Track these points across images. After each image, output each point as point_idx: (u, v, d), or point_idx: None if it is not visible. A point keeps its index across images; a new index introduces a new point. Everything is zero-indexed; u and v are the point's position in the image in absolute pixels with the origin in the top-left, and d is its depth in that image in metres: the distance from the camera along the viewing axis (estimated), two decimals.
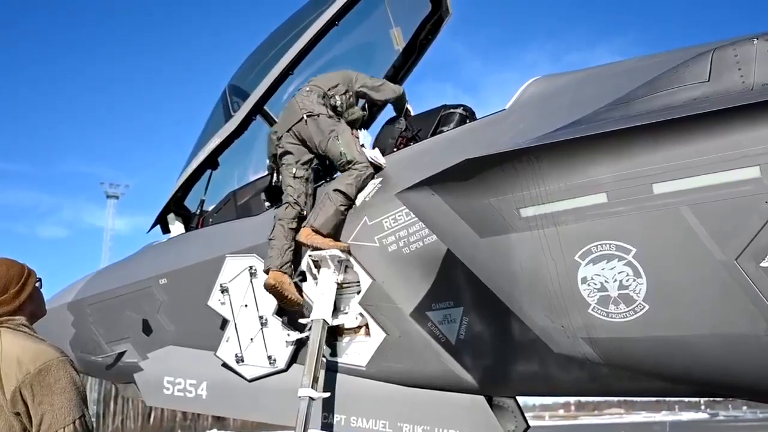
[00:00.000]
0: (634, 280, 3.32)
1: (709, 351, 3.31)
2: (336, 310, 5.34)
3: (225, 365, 5.96)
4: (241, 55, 7.95)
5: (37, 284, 3.21)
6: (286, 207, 5.53)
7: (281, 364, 5.62)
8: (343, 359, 5.44)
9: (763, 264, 3.02)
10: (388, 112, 6.66)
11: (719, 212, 3.08)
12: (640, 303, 3.32)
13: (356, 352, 5.37)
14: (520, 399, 5.38)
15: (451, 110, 5.88)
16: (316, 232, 5.22)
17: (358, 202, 5.27)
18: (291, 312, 5.56)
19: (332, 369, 5.44)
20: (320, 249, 5.22)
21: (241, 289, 5.82)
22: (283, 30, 6.88)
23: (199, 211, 7.16)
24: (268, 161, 6.40)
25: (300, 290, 5.43)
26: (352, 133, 5.59)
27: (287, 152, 5.67)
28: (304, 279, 5.54)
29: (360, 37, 7.34)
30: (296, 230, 5.42)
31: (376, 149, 5.67)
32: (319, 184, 5.86)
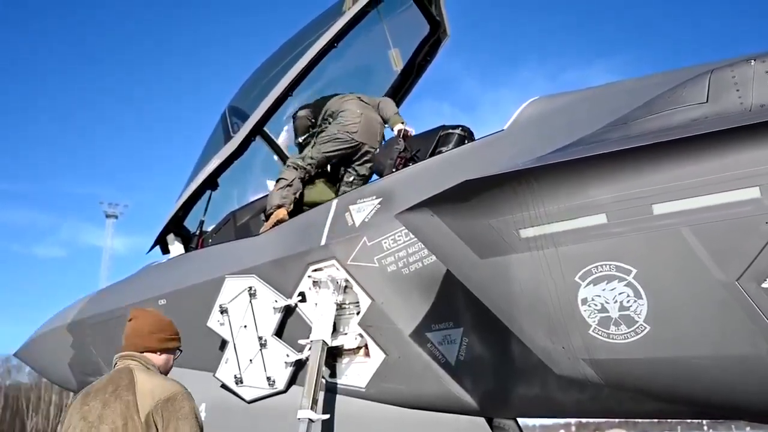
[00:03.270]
0: (635, 301, 3.30)
1: (710, 372, 3.28)
2: (335, 331, 5.33)
3: (224, 386, 5.92)
4: (240, 76, 8.01)
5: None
6: None
7: (280, 385, 5.58)
8: (342, 380, 5.41)
9: (765, 285, 3.00)
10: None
11: (719, 233, 3.07)
12: (641, 324, 3.30)
13: (356, 373, 5.34)
14: (521, 420, 5.35)
15: (450, 130, 5.90)
16: None
17: (357, 223, 5.28)
18: (290, 334, 5.55)
19: (332, 390, 5.40)
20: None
21: (241, 310, 5.80)
22: (283, 52, 6.94)
23: (198, 231, 7.16)
24: None
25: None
26: None
27: None
28: (304, 299, 5.54)
29: (359, 58, 7.40)
30: None
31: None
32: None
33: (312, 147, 6.53)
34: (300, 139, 6.89)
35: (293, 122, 7.03)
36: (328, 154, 6.48)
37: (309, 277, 5.44)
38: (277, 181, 6.48)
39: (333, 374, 5.45)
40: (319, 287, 5.35)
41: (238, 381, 5.79)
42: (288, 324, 5.65)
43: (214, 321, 5.93)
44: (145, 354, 3.69)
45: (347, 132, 6.39)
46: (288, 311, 5.63)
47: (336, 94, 6.84)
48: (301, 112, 6.91)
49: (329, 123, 6.59)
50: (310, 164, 6.48)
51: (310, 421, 4.82)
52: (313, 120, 6.80)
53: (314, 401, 4.90)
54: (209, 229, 7.14)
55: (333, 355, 5.41)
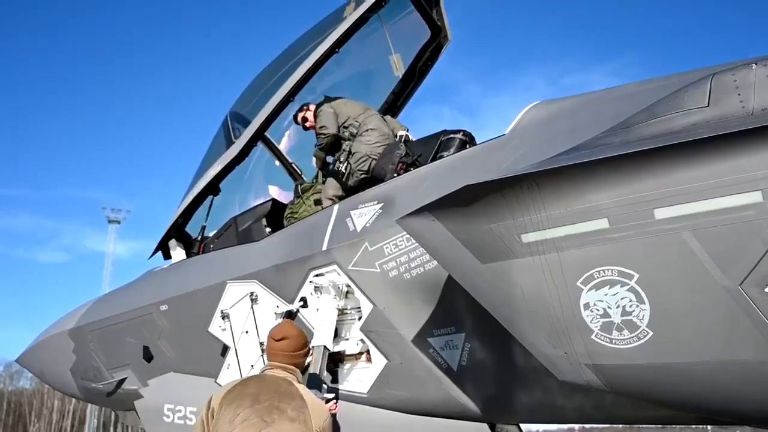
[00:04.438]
0: (637, 306, 3.28)
1: (714, 378, 3.27)
2: (337, 337, 5.32)
3: None
4: (243, 81, 8.01)
5: None
6: None
7: None
8: (344, 386, 5.40)
9: None
10: None
11: (722, 237, 3.05)
12: (643, 329, 3.29)
13: (357, 378, 5.33)
14: (523, 425, 5.32)
15: (451, 135, 5.89)
16: None
17: (358, 228, 5.27)
18: None
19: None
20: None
21: (242, 316, 5.79)
22: (284, 57, 6.94)
23: (200, 236, 7.15)
24: None
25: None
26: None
27: None
28: (305, 305, 5.53)
29: (360, 63, 7.39)
30: None
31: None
32: None
33: (352, 175, 6.35)
34: (341, 169, 6.46)
35: (320, 136, 6.75)
36: (365, 174, 6.32)
37: (310, 282, 5.43)
38: None
39: (335, 380, 5.44)
40: (321, 292, 5.33)
41: None
42: None
43: (216, 326, 5.93)
44: (296, 369, 4.21)
45: (379, 153, 6.29)
46: (289, 316, 5.61)
47: (341, 97, 6.79)
48: (329, 129, 6.64)
49: (351, 135, 6.51)
50: (352, 189, 6.36)
51: None
52: (337, 132, 6.66)
53: None
54: (211, 234, 7.13)
55: (334, 360, 5.40)
